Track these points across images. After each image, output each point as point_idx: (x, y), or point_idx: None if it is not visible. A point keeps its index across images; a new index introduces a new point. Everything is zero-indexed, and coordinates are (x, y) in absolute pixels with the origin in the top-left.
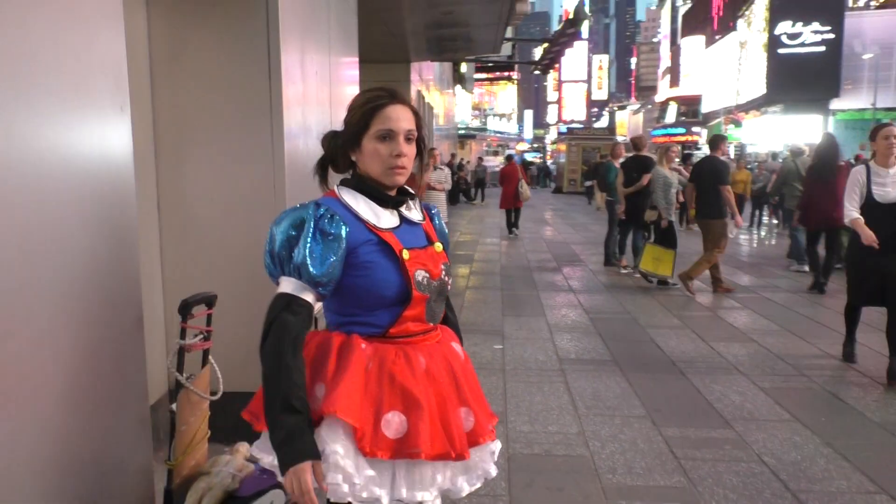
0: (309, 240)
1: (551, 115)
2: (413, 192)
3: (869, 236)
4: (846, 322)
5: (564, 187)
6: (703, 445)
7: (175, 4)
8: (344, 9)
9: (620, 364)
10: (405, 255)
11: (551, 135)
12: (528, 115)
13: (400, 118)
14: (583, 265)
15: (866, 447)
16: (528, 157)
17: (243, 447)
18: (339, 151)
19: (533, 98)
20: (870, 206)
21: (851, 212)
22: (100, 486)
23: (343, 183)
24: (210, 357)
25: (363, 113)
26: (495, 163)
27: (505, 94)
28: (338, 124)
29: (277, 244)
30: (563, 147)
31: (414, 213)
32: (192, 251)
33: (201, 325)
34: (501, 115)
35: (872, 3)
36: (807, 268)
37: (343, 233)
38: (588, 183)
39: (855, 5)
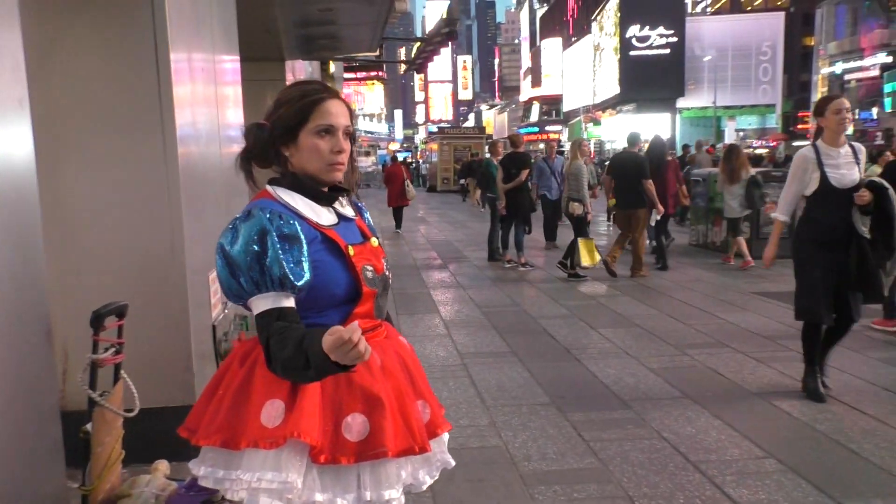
0: (279, 250)
1: (420, 115)
2: (347, 188)
3: (768, 258)
4: (804, 348)
5: (438, 186)
6: (608, 427)
7: None
8: (225, 4)
9: (519, 355)
10: (350, 251)
11: (421, 134)
12: (398, 115)
13: (339, 113)
14: (468, 261)
15: (749, 416)
16: (400, 156)
17: (162, 465)
18: (266, 146)
19: (401, 98)
20: (825, 192)
21: (781, 213)
22: None
23: (275, 182)
24: (122, 371)
25: (302, 106)
26: (367, 163)
27: (373, 95)
28: (225, 126)
29: (243, 264)
30: (434, 146)
31: (347, 209)
32: (77, 261)
33: (112, 336)
34: (371, 116)
35: (709, 10)
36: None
37: (298, 230)
38: (462, 181)
39: (694, 11)
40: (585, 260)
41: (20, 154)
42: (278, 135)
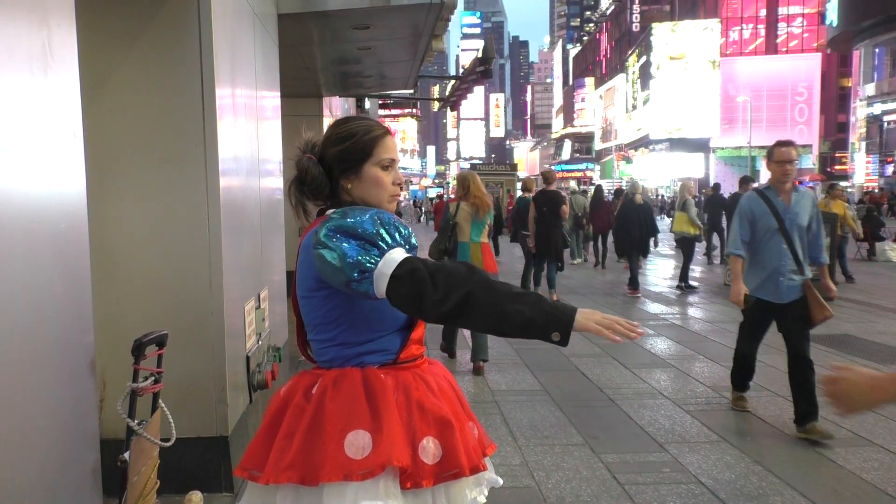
0: (398, 223)
1: (451, 152)
2: None
3: None
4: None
5: None
6: (643, 470)
7: (95, 31)
8: (268, 43)
9: (551, 393)
10: None
11: (452, 170)
12: (431, 151)
13: (395, 148)
14: None
15: (791, 462)
16: (432, 192)
17: (196, 496)
18: (323, 178)
19: (433, 135)
20: None
21: None
22: None
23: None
24: (160, 400)
25: (368, 141)
26: (400, 198)
27: (406, 131)
28: (265, 160)
29: (370, 227)
30: None
31: None
32: (117, 291)
33: (152, 366)
34: (403, 151)
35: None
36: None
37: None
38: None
39: (728, 52)
40: None
41: (73, 184)
42: (342, 168)
